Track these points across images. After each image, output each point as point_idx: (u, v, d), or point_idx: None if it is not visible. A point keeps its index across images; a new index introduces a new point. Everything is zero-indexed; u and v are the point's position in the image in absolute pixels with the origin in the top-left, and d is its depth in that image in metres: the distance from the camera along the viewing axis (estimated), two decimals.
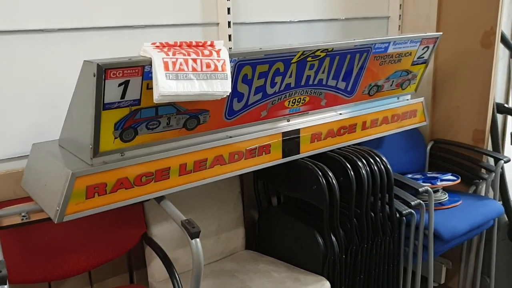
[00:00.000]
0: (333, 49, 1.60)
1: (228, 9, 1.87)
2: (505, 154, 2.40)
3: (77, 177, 1.24)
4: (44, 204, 1.34)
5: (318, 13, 2.21)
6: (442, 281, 2.46)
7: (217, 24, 1.90)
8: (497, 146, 2.30)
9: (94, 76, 1.14)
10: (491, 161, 2.30)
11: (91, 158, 1.28)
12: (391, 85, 1.98)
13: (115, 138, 1.29)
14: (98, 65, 1.12)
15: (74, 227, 1.57)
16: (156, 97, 1.21)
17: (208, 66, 1.27)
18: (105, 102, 1.19)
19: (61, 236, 1.56)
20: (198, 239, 1.30)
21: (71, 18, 1.57)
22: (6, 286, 1.18)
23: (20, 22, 1.49)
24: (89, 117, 1.21)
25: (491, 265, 2.30)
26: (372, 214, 1.79)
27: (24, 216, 1.41)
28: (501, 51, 2.33)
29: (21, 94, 1.53)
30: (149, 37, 1.73)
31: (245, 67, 1.43)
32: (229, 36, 1.90)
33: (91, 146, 1.26)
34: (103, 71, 1.13)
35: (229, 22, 1.88)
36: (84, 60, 1.19)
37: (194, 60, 1.25)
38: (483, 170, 2.28)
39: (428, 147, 2.44)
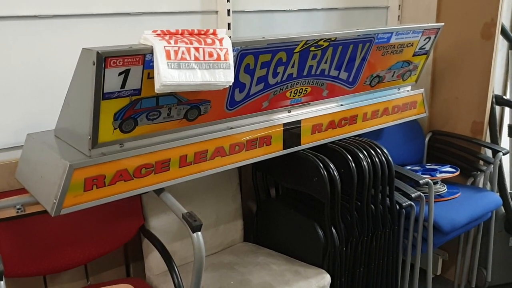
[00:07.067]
0: (336, 38, 1.57)
1: None
2: (502, 146, 2.39)
3: (75, 169, 1.20)
4: (40, 196, 1.29)
5: (317, 2, 2.18)
6: (439, 273, 2.46)
7: (216, 12, 1.85)
8: (496, 138, 2.29)
9: (94, 64, 1.09)
10: (489, 153, 2.30)
11: (89, 149, 1.24)
12: (392, 76, 1.95)
13: (115, 128, 1.25)
14: (98, 53, 1.08)
15: (70, 219, 1.53)
16: (158, 87, 1.17)
17: (210, 55, 1.23)
18: (104, 91, 1.15)
19: (56, 229, 1.52)
20: (199, 233, 1.28)
21: (66, 4, 1.52)
22: (2, 282, 1.14)
23: (13, 7, 1.43)
24: (87, 107, 1.17)
25: (488, 257, 2.31)
26: (373, 206, 1.78)
27: (19, 209, 1.36)
28: (499, 42, 2.31)
29: (14, 82, 1.48)
30: (146, 25, 1.69)
31: (247, 57, 1.39)
32: (228, 24, 1.85)
33: (89, 137, 1.22)
34: (103, 59, 1.09)
35: (228, 10, 1.84)
36: (83, 48, 1.14)
37: (197, 49, 1.21)
38: (481, 162, 2.28)
39: (427, 139, 2.43)
